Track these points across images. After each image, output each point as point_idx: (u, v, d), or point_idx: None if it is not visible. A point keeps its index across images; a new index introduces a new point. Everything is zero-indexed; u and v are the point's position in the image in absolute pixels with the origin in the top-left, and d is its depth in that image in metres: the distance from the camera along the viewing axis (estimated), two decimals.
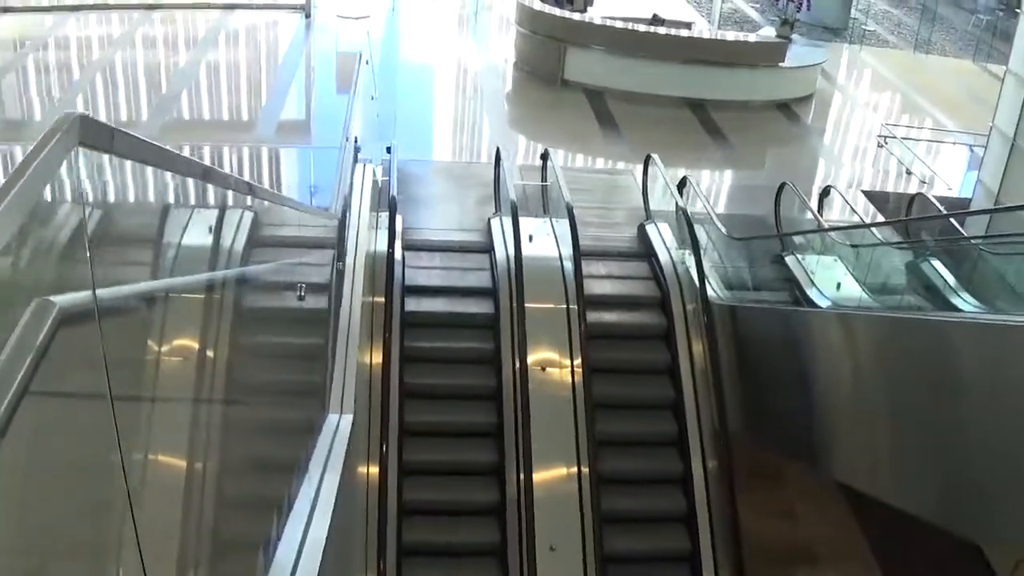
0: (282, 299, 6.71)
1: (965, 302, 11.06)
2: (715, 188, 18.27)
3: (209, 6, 25.03)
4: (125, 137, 2.63)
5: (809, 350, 10.25)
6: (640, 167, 15.56)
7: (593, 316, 11.79)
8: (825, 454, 10.04)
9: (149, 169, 3.46)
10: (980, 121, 18.78)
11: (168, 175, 3.70)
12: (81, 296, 2.34)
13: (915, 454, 8.00)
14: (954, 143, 21.07)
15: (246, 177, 16.08)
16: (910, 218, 15.07)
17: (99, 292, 2.39)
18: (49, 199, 2.26)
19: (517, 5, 23.03)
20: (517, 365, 10.94)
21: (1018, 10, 18.55)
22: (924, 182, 18.43)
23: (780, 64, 21.88)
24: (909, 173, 18.83)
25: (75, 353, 2.33)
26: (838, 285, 12.52)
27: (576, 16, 22.93)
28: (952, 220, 13.08)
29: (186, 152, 16.02)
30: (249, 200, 5.26)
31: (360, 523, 9.95)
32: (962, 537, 7.44)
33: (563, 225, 11.90)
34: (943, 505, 7.55)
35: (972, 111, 22.05)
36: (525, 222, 12.28)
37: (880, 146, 19.94)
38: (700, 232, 12.73)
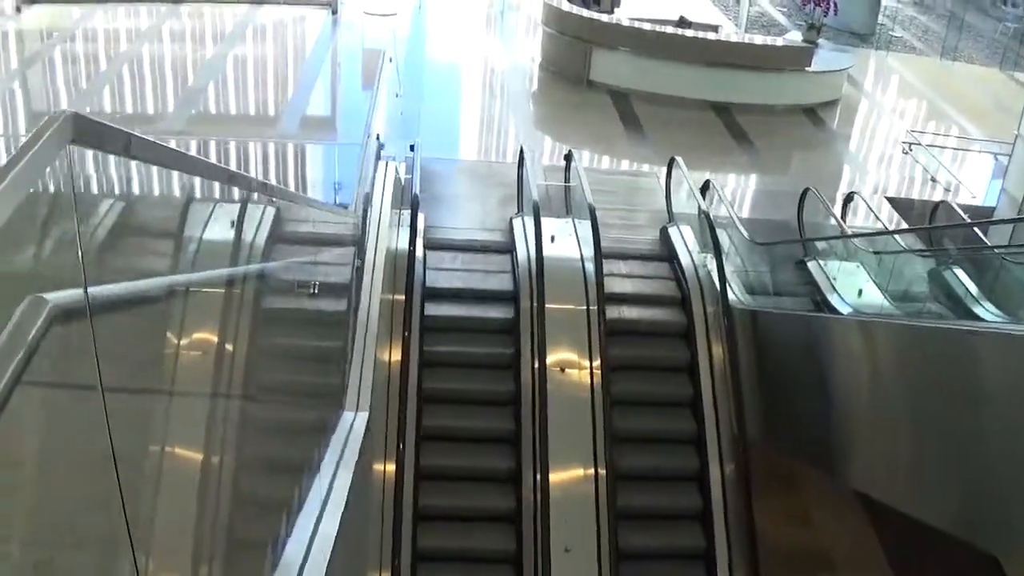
0: (299, 295, 6.71)
1: (987, 311, 11.04)
2: (739, 192, 18.23)
3: (237, 0, 25.06)
4: (118, 134, 2.62)
5: (829, 357, 10.21)
6: (664, 169, 15.53)
7: (613, 317, 11.80)
8: (842, 462, 10.00)
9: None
10: (1006, 129, 18.73)
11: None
12: (77, 293, 2.34)
13: (933, 464, 7.97)
14: (979, 151, 21.00)
15: (271, 172, 16.16)
16: (932, 226, 15.02)
17: (93, 289, 2.39)
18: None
19: (544, 5, 23.02)
20: (536, 365, 10.93)
21: None
22: (948, 190, 18.36)
23: (806, 69, 21.83)
24: (933, 180, 18.77)
25: (70, 349, 2.32)
26: (860, 292, 12.49)
27: (603, 17, 22.91)
28: (975, 229, 13.02)
29: (212, 147, 16.08)
30: (256, 195, 5.25)
31: (375, 522, 9.97)
32: (980, 549, 7.41)
33: (585, 226, 11.89)
34: (961, 516, 7.51)
35: (998, 119, 21.99)
36: (547, 223, 12.27)
37: (905, 153, 19.89)
38: (722, 236, 12.70)
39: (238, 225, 4.74)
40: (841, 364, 9.98)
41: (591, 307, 11.42)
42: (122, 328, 3.05)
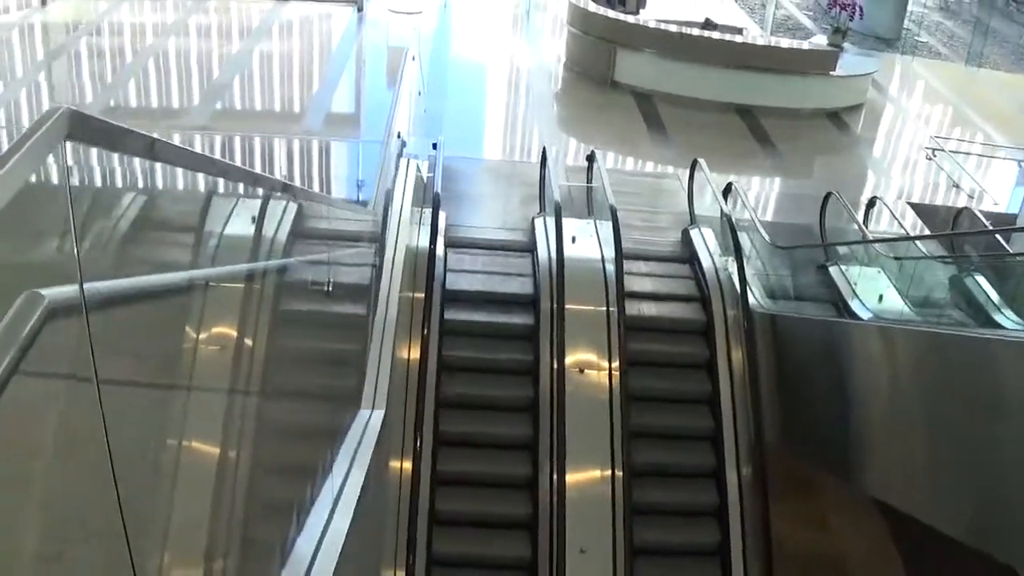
0: (317, 293, 6.72)
1: (1008, 319, 11.01)
2: (762, 195, 18.20)
3: None
4: (114, 130, 2.62)
5: (848, 362, 10.20)
6: (686, 171, 15.52)
7: (632, 314, 11.81)
8: (859, 468, 9.98)
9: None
10: None
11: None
12: (73, 289, 2.34)
13: (950, 472, 7.96)
14: (1003, 158, 20.93)
15: (296, 169, 16.18)
16: (954, 232, 14.98)
17: (93, 285, 2.39)
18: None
19: (569, 5, 23.01)
20: (555, 366, 10.94)
21: None
22: (971, 196, 18.31)
23: (831, 73, 21.79)
24: (956, 187, 18.72)
25: (68, 345, 2.33)
26: (880, 297, 12.47)
27: (628, 18, 22.91)
28: (997, 236, 12.99)
29: (236, 143, 16.10)
30: (260, 191, 5.26)
31: (391, 521, 9.99)
32: (998, 559, 7.39)
33: (607, 227, 11.87)
34: (976, 525, 7.50)
35: (1022, 126, 21.93)
36: (569, 223, 12.28)
37: (928, 159, 19.83)
38: (744, 239, 12.69)
39: (225, 221, 4.74)
40: (860, 370, 9.97)
41: (611, 308, 11.42)
42: (125, 323, 3.06)
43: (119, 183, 3.16)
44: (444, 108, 19.57)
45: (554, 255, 11.59)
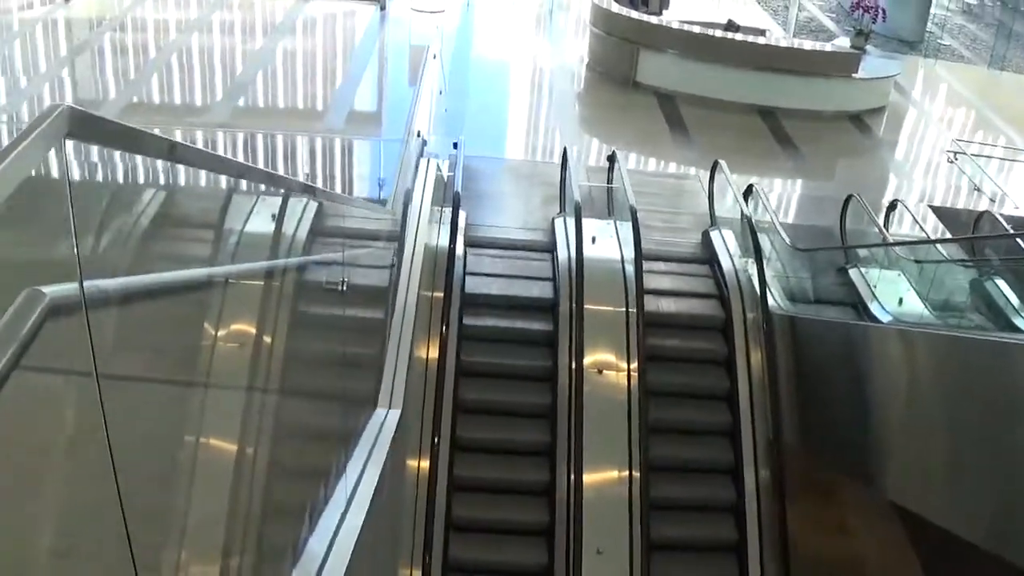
0: (334, 292, 6.72)
1: None
2: (784, 197, 18.19)
3: None
4: (115, 127, 2.62)
5: (867, 365, 10.19)
6: (708, 172, 15.52)
7: (651, 310, 11.83)
8: (878, 471, 9.98)
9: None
10: None
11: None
12: (74, 286, 2.35)
13: (970, 476, 7.94)
14: None
15: (318, 167, 16.21)
16: (974, 236, 14.96)
17: (95, 283, 2.40)
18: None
19: (592, 6, 23.01)
20: (574, 366, 10.95)
21: None
22: (993, 200, 18.27)
23: (853, 75, 21.75)
24: (978, 190, 18.68)
25: (74, 343, 2.33)
26: (900, 300, 12.46)
27: (651, 19, 22.88)
28: (1019, 240, 12.96)
29: (259, 140, 16.14)
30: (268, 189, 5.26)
31: (407, 520, 10.03)
32: (1017, 564, 7.38)
33: (627, 228, 11.88)
34: (994, 529, 7.49)
35: None
36: (589, 223, 12.28)
37: (950, 161, 19.79)
38: (764, 241, 12.69)
39: (245, 219, 4.74)
40: (879, 373, 9.96)
41: (630, 309, 11.43)
42: (140, 320, 3.08)
43: (125, 180, 3.18)
44: (466, 107, 19.59)
45: (574, 255, 11.60)
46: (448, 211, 11.94)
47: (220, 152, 15.88)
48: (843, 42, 24.30)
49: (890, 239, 13.96)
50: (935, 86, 26.11)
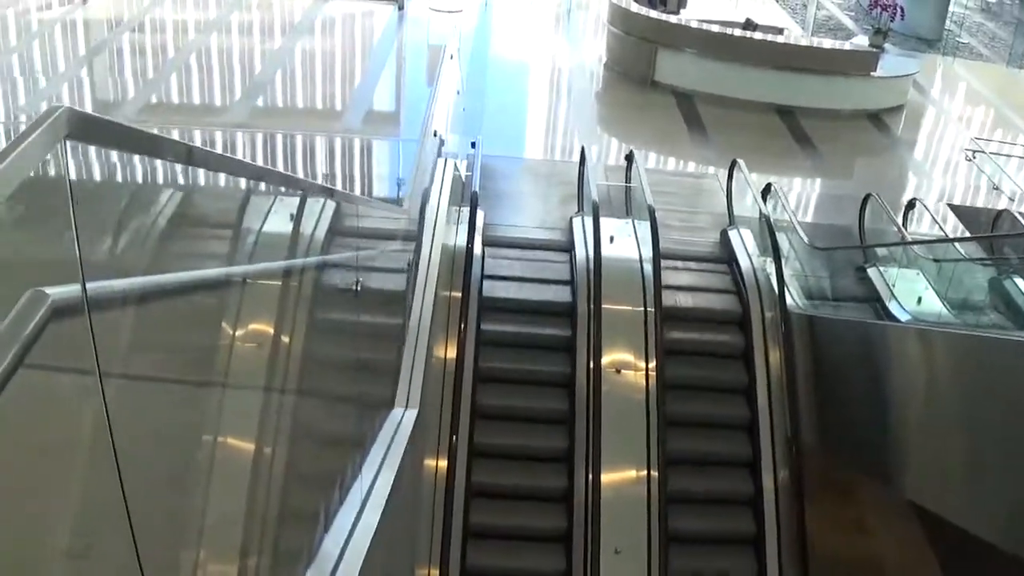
0: (350, 292, 6.73)
1: None
2: (803, 196, 18.17)
3: None
4: (116, 128, 2.62)
5: (886, 364, 10.17)
6: (726, 171, 15.51)
7: (669, 305, 11.85)
8: (896, 471, 9.97)
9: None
10: None
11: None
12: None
13: (989, 476, 7.93)
14: None
15: (337, 166, 16.22)
16: (992, 235, 14.93)
17: (99, 284, 2.40)
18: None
19: (610, 5, 22.97)
20: (591, 365, 10.96)
21: None
22: (1012, 199, 18.22)
23: (872, 74, 21.71)
24: (996, 189, 18.63)
25: (79, 344, 2.34)
26: (919, 299, 12.43)
27: (669, 18, 22.88)
28: None
29: (278, 140, 16.16)
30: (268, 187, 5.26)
31: (426, 518, 10.05)
32: None
33: (645, 227, 11.88)
34: (1016, 529, 7.47)
35: None
36: (607, 223, 12.29)
37: (968, 160, 19.73)
38: (782, 240, 12.68)
39: (263, 219, 4.74)
40: (897, 372, 9.94)
41: (648, 308, 11.43)
42: (157, 320, 3.10)
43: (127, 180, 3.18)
44: (484, 107, 19.60)
45: (592, 254, 11.60)
46: (466, 210, 11.95)
47: (239, 152, 15.91)
48: (861, 40, 24.22)
49: (908, 238, 13.94)
50: (954, 84, 26.04)
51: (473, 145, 14.06)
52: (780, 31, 24.25)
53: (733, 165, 14.87)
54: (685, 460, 11.27)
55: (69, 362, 2.34)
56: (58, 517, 2.35)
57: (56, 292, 2.09)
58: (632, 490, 10.47)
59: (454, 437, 10.25)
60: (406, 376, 9.68)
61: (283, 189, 5.17)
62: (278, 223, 4.77)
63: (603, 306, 11.13)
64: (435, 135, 13.50)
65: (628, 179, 15.35)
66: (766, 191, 14.23)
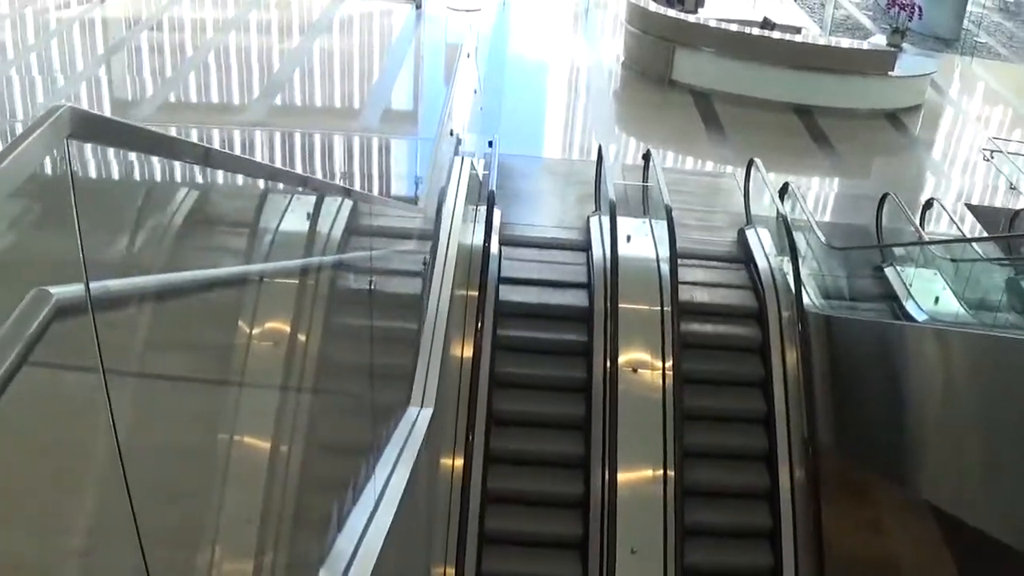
0: (366, 290, 6.73)
1: None
2: (821, 196, 18.15)
3: None
4: (119, 127, 2.62)
5: (903, 364, 10.16)
6: (744, 170, 15.49)
7: (685, 300, 11.88)
8: (912, 471, 9.95)
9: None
10: None
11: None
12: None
13: (1006, 477, 7.92)
14: None
15: (354, 165, 16.24)
16: (1010, 235, 14.90)
17: (102, 284, 2.40)
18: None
19: (628, 4, 22.99)
20: (608, 364, 10.96)
21: None
22: None
23: (890, 73, 21.68)
24: (1013, 188, 18.59)
25: (82, 344, 2.34)
26: (936, 299, 12.41)
27: (687, 17, 22.86)
28: None
29: (296, 139, 16.19)
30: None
31: (441, 517, 10.07)
32: None
33: (662, 226, 11.87)
34: None
35: None
36: (624, 222, 12.30)
37: (986, 160, 19.68)
38: (799, 239, 12.67)
39: (280, 217, 4.75)
40: (914, 372, 9.93)
41: (665, 308, 11.43)
42: (172, 319, 3.10)
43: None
44: (501, 105, 19.61)
45: (608, 254, 11.61)
46: (483, 209, 11.96)
47: (257, 151, 15.95)
48: (879, 40, 24.17)
49: (926, 238, 13.93)
50: (972, 84, 25.99)
51: (490, 144, 14.06)
52: (798, 30, 24.22)
53: (750, 164, 14.84)
54: (701, 453, 11.28)
55: (77, 361, 2.34)
56: (59, 517, 2.35)
57: (60, 291, 2.10)
58: (648, 489, 10.46)
59: (470, 436, 10.26)
60: (421, 375, 9.67)
61: (280, 186, 5.16)
62: (294, 222, 4.78)
63: (620, 305, 11.14)
64: (452, 134, 13.50)
65: (645, 178, 15.34)
66: (783, 190, 14.21)
